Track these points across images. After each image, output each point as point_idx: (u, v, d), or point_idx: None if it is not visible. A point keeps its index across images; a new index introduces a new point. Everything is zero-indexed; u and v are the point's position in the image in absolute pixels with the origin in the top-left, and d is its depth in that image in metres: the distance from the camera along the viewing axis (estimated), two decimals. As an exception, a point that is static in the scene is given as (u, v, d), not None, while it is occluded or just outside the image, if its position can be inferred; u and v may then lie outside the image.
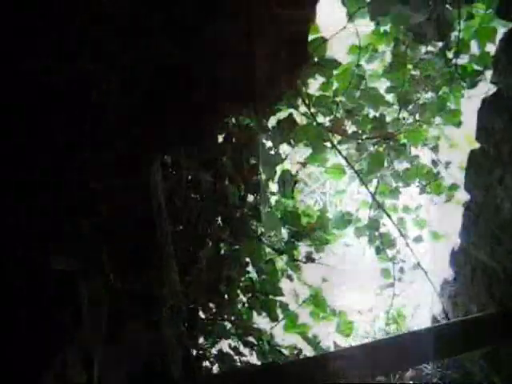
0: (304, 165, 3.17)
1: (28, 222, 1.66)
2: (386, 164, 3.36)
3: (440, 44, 3.02)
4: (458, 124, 3.24)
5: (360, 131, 3.13)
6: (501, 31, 2.82)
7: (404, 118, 3.25)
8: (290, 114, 2.86)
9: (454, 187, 3.44)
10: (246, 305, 3.51)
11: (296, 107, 3.13)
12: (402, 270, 3.74)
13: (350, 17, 2.82)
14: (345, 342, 4.10)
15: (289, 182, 2.97)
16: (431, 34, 2.56)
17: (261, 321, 3.62)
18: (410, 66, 3.11)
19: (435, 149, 3.59)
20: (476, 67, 3.13)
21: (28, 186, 1.68)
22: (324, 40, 2.82)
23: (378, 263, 3.87)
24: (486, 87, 3.02)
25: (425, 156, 3.75)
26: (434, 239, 3.76)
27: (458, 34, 2.83)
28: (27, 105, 1.65)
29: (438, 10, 2.72)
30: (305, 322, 3.82)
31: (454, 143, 3.67)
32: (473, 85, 3.06)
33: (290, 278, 3.60)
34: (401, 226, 3.73)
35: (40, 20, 1.61)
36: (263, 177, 3.24)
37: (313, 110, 3.06)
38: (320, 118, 3.17)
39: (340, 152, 3.09)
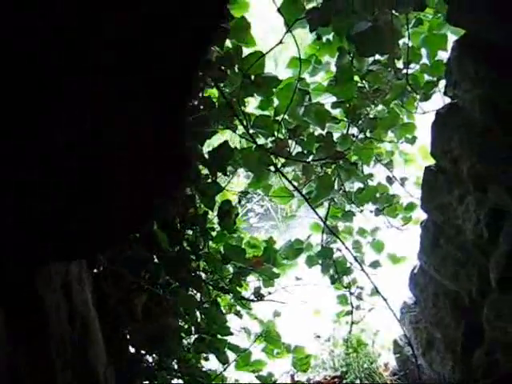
0: (244, 194, 2.86)
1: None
2: (336, 186, 3.07)
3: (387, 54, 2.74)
4: (413, 140, 2.98)
5: (306, 151, 2.83)
6: (452, 38, 2.57)
7: (353, 135, 2.96)
8: (226, 142, 2.56)
9: (410, 207, 3.19)
10: (192, 348, 3.18)
11: (233, 129, 2.83)
12: (359, 297, 3.46)
13: (288, 27, 2.52)
14: (303, 376, 3.82)
15: (229, 214, 2.65)
16: (377, 44, 2.27)
17: (212, 362, 3.32)
18: (356, 78, 2.82)
19: (389, 165, 3.33)
20: (429, 78, 2.87)
21: None
22: (261, 55, 2.52)
23: (335, 290, 3.59)
24: (441, 99, 2.78)
25: (379, 173, 3.48)
26: (393, 262, 3.48)
27: (407, 42, 2.56)
28: None
29: (383, 17, 2.44)
30: (259, 359, 3.50)
31: (410, 158, 3.42)
32: (426, 97, 2.80)
33: (238, 314, 3.28)
34: (357, 251, 3.46)
35: None
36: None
37: (252, 131, 2.75)
38: (261, 140, 2.87)
39: (284, 175, 2.81)
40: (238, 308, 3.20)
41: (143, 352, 2.95)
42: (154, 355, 2.97)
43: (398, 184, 3.40)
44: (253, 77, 2.58)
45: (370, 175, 3.22)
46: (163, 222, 2.84)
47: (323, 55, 3.02)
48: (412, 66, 2.85)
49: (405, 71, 2.70)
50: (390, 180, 3.38)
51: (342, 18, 2.42)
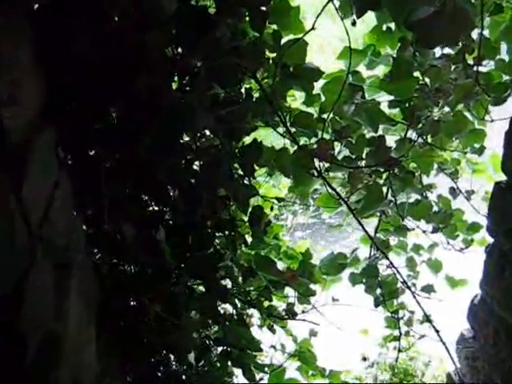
0: (280, 200, 2.49)
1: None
2: (389, 196, 2.65)
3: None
4: (480, 150, 2.53)
5: (354, 156, 2.43)
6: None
7: (411, 140, 2.53)
8: (254, 140, 2.19)
9: (474, 227, 2.72)
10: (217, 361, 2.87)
11: (274, 126, 2.46)
12: (409, 322, 3.03)
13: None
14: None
15: (260, 221, 2.29)
16: (442, 33, 1.85)
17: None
18: (418, 74, 2.39)
19: (454, 175, 2.87)
20: (504, 77, 2.40)
21: None
22: (303, 42, 2.14)
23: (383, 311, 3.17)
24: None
25: (443, 185, 3.03)
26: (451, 286, 3.04)
27: (480, 33, 2.11)
28: None
29: (452, 1, 2.00)
30: (293, 378, 3.17)
31: (479, 168, 2.95)
32: (500, 100, 2.33)
33: (271, 329, 2.93)
34: (410, 269, 3.03)
35: None
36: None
37: (294, 129, 2.37)
38: (304, 140, 2.49)
39: (327, 182, 2.41)
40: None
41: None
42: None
43: (463, 198, 2.95)
44: (292, 68, 2.18)
45: (430, 186, 2.77)
46: (191, 224, 2.54)
47: (383, 46, 2.59)
48: (486, 62, 2.38)
49: (475, 68, 2.24)
50: (453, 192, 2.93)
51: (402, 2, 1.98)
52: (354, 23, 2.04)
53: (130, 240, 2.13)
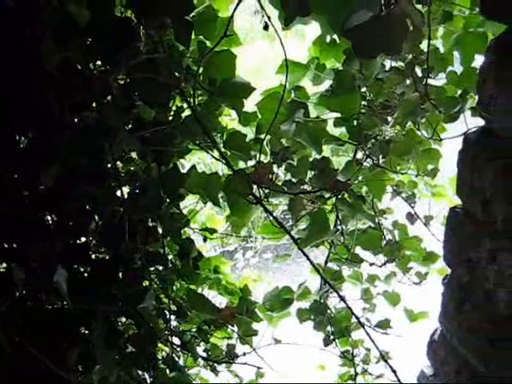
0: (210, 231, 2.23)
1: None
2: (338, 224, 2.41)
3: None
4: (433, 172, 2.30)
5: (295, 180, 2.18)
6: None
7: (360, 162, 2.29)
8: (175, 166, 1.95)
9: (432, 258, 2.48)
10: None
11: (207, 148, 2.22)
12: (366, 360, 2.77)
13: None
14: None
15: (188, 255, 2.04)
16: (380, 41, 1.62)
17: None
18: (364, 90, 2.16)
19: (411, 199, 2.64)
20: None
21: None
22: (232, 55, 1.91)
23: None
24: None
25: (398, 209, 2.80)
26: (410, 320, 2.79)
27: (428, 43, 1.89)
28: None
29: (396, 8, 1.79)
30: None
31: (439, 192, 2.73)
32: (453, 117, 2.10)
33: (214, 371, 2.66)
34: (366, 302, 2.78)
35: None
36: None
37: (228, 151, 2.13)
38: (242, 163, 2.25)
39: (267, 210, 2.15)
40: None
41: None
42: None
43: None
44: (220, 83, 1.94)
45: (383, 212, 2.53)
46: (117, 256, 2.29)
47: (328, 59, 2.37)
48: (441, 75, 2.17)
49: (425, 81, 2.01)
50: (410, 218, 2.70)
51: (338, 7, 1.75)
52: (265, 27, 1.81)
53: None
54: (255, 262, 6.95)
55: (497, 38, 1.79)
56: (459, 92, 2.20)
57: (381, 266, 2.56)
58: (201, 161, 5.17)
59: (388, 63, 2.32)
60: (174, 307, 2.42)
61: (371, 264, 2.56)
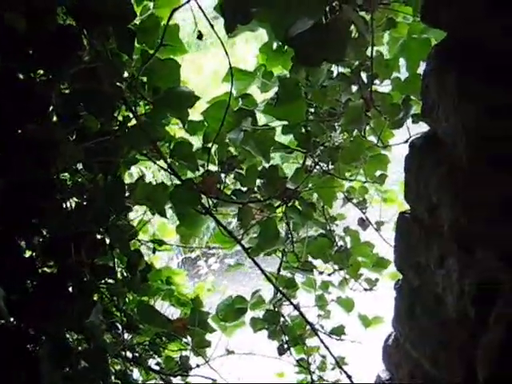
0: (158, 242, 2.20)
1: None
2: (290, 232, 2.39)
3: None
4: (382, 179, 2.30)
5: (244, 189, 2.16)
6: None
7: (309, 169, 2.28)
8: (118, 177, 1.92)
9: (382, 263, 2.48)
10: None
11: (154, 158, 2.18)
12: (322, 367, 2.76)
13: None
14: None
15: (135, 267, 2.00)
16: (322, 49, 1.61)
17: None
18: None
19: (362, 205, 2.64)
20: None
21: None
22: (176, 64, 1.88)
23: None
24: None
25: (350, 213, 2.80)
26: (364, 325, 2.79)
27: (371, 50, 1.89)
28: None
29: (340, 15, 1.79)
30: None
31: (390, 197, 2.73)
32: (398, 123, 2.11)
33: (168, 384, 2.60)
34: (321, 308, 2.77)
35: None
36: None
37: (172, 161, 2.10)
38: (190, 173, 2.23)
39: (216, 219, 2.13)
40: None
41: None
42: None
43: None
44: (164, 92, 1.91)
45: (334, 219, 2.53)
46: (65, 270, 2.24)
47: (275, 66, 2.35)
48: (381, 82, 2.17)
49: (370, 88, 2.01)
50: (362, 223, 2.70)
51: (280, 15, 1.74)
52: (199, 36, 1.79)
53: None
54: (217, 269, 6.91)
55: (438, 44, 1.80)
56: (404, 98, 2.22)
57: (329, 275, 2.56)
58: (150, 170, 5.14)
59: (337, 69, 2.33)
60: (126, 320, 2.38)
61: (320, 272, 2.55)
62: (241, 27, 2.05)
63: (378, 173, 2.48)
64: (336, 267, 2.53)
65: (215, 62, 9.56)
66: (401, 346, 2.51)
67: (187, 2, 1.81)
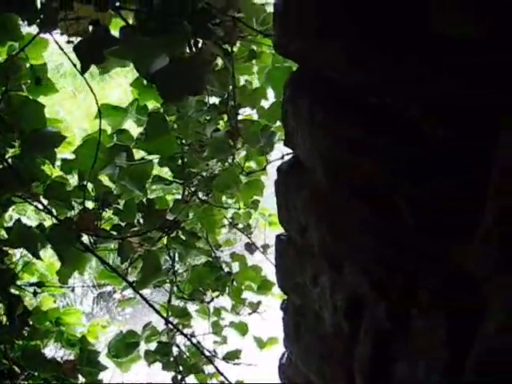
0: (39, 284, 2.16)
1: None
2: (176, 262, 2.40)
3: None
4: (255, 204, 2.35)
5: (124, 224, 2.16)
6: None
7: (185, 200, 2.31)
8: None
9: (267, 285, 2.53)
10: None
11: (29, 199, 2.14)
12: (218, 392, 2.77)
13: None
14: None
15: (14, 311, 1.94)
16: (181, 84, 1.64)
17: None
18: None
19: (247, 230, 2.68)
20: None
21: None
22: (40, 106, 1.86)
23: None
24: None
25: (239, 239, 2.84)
26: (259, 347, 2.82)
27: (233, 81, 1.94)
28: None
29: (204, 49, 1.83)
30: None
31: (273, 221, 2.79)
32: (264, 150, 2.17)
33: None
34: (216, 335, 2.78)
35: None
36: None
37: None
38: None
39: (98, 256, 2.11)
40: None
41: None
42: None
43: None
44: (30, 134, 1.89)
45: (219, 246, 2.56)
46: None
47: (147, 100, 2.37)
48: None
49: (235, 118, 2.06)
50: (249, 248, 2.74)
51: (139, 52, 1.76)
52: (37, 81, 1.79)
53: None
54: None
55: (292, 73, 1.87)
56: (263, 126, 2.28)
57: (208, 303, 2.58)
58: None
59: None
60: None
61: (201, 301, 2.56)
62: (111, 63, 2.08)
63: (255, 198, 2.54)
64: (214, 294, 2.55)
65: (120, 91, 9.51)
66: (293, 364, 2.57)
67: (37, 35, 1.81)
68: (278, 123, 2.30)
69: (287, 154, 1.88)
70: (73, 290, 3.98)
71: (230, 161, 2.32)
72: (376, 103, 1.43)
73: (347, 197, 1.69)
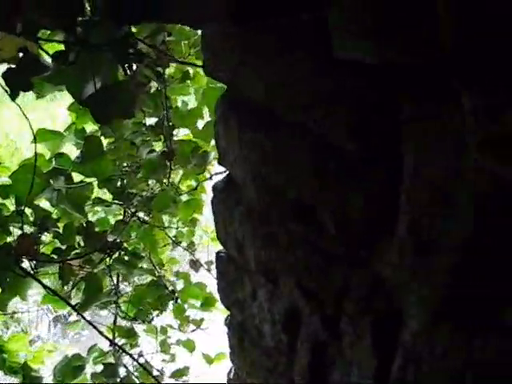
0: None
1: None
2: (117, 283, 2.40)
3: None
4: (193, 222, 2.38)
5: (64, 247, 2.16)
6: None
7: (126, 220, 2.32)
8: None
9: (211, 301, 2.55)
10: None
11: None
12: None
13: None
14: None
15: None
16: (114, 108, 1.67)
17: None
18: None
19: (191, 247, 2.71)
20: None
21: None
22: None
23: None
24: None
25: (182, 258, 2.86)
26: (208, 363, 2.84)
27: (166, 102, 1.98)
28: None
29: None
30: None
31: (213, 237, 2.82)
32: (200, 169, 2.21)
33: None
34: (165, 353, 2.79)
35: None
36: None
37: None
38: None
39: (38, 280, 2.11)
40: None
41: None
42: None
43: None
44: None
45: (162, 265, 2.57)
46: None
47: (85, 123, 2.39)
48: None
49: (170, 138, 2.09)
50: (194, 265, 2.76)
51: (71, 78, 1.78)
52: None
53: None
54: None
55: (223, 93, 1.92)
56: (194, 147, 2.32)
57: (149, 322, 2.59)
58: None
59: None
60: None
61: (144, 321, 2.57)
62: (48, 88, 2.09)
63: (195, 216, 2.57)
64: (155, 314, 2.57)
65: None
66: (240, 378, 2.59)
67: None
68: (213, 142, 2.34)
69: (216, 174, 1.92)
70: (12, 316, 3.91)
71: (166, 181, 2.35)
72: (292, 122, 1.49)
73: (278, 211, 1.74)
